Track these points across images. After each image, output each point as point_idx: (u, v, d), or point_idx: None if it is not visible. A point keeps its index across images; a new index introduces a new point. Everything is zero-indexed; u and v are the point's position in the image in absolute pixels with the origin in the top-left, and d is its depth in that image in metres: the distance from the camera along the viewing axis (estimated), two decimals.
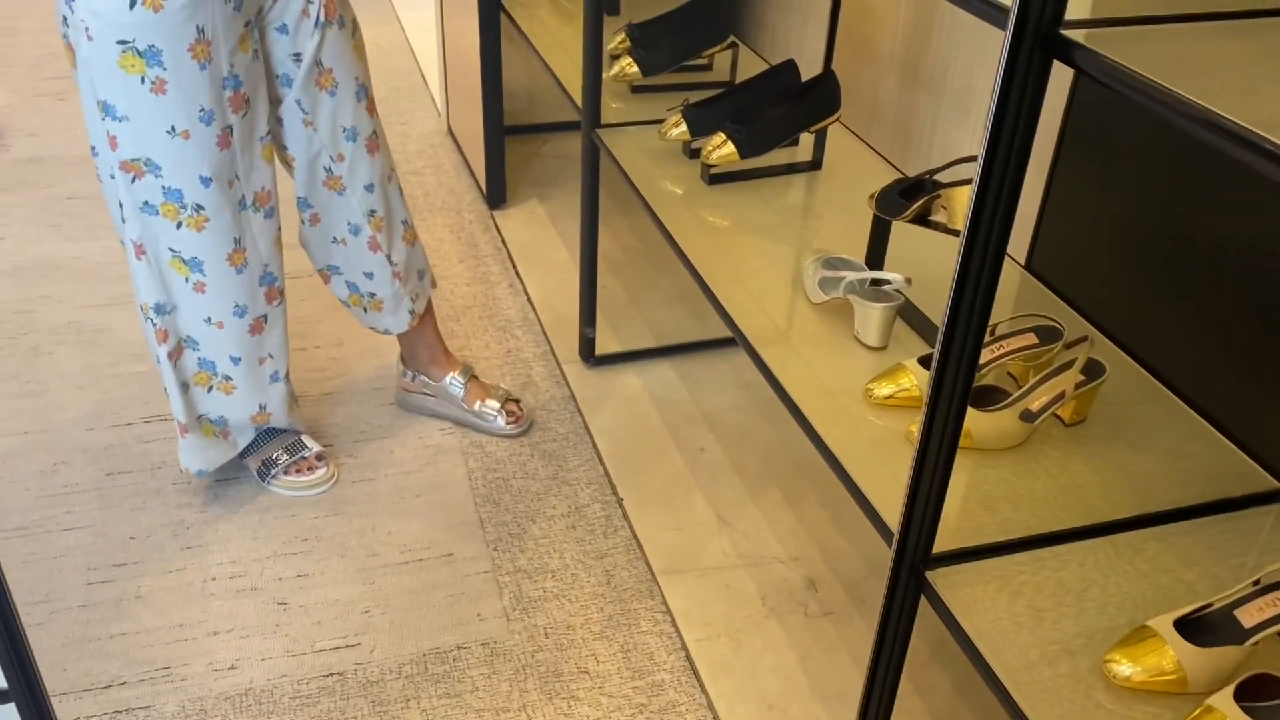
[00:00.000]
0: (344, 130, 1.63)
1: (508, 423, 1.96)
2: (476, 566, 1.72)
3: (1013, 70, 0.80)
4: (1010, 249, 1.57)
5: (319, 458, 1.84)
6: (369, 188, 1.70)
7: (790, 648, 1.59)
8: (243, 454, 1.81)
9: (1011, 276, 1.53)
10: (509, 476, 1.90)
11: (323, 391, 2.07)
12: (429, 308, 1.93)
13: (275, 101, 1.59)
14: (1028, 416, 1.20)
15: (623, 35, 2.09)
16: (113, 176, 1.50)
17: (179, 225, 1.52)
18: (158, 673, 1.52)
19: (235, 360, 1.67)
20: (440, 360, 1.97)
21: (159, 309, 1.59)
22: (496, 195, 2.70)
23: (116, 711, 1.46)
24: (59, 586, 1.64)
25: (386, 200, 1.73)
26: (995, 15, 0.83)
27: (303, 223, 1.73)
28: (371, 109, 1.67)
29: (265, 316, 1.66)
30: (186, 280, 1.57)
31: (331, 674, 1.53)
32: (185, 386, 1.68)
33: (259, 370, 1.71)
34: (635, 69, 1.99)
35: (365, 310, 1.84)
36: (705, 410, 2.06)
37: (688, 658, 1.58)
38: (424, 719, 1.47)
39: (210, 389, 1.69)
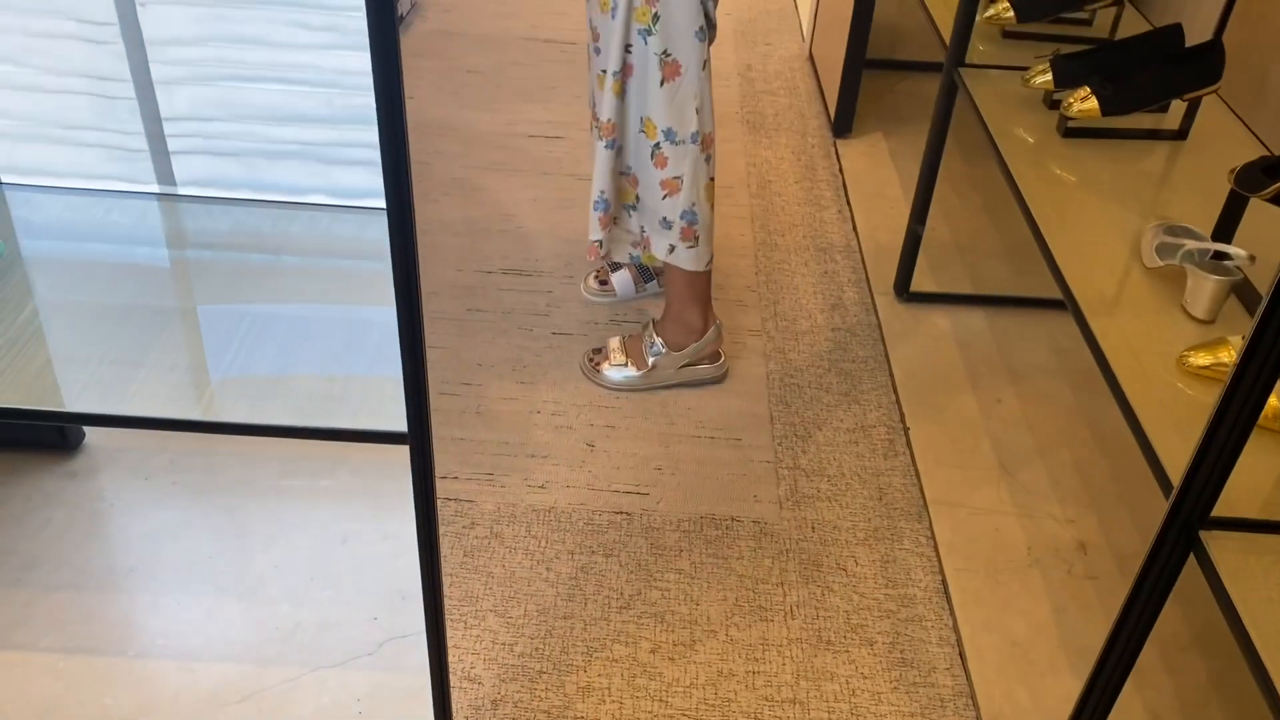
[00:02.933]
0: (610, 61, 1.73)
1: (590, 355, 2.00)
2: (760, 455, 1.86)
3: None
4: None
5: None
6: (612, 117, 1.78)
7: (1047, 598, 1.63)
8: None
9: None
10: (804, 385, 2.02)
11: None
12: (674, 273, 1.92)
13: None
14: None
15: None
16: None
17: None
18: (483, 476, 1.79)
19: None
20: (668, 319, 1.98)
21: None
22: (843, 125, 2.78)
23: (447, 499, 1.74)
24: None
25: (631, 141, 1.81)
26: None
27: None
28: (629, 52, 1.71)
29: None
30: None
31: (621, 512, 1.74)
32: None
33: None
34: (1011, 12, 1.99)
35: None
36: (1010, 364, 2.08)
37: (943, 582, 1.65)
38: (692, 568, 1.65)
39: None
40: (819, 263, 2.35)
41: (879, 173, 2.65)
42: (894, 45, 3.07)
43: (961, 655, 1.54)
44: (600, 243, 1.92)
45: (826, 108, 2.89)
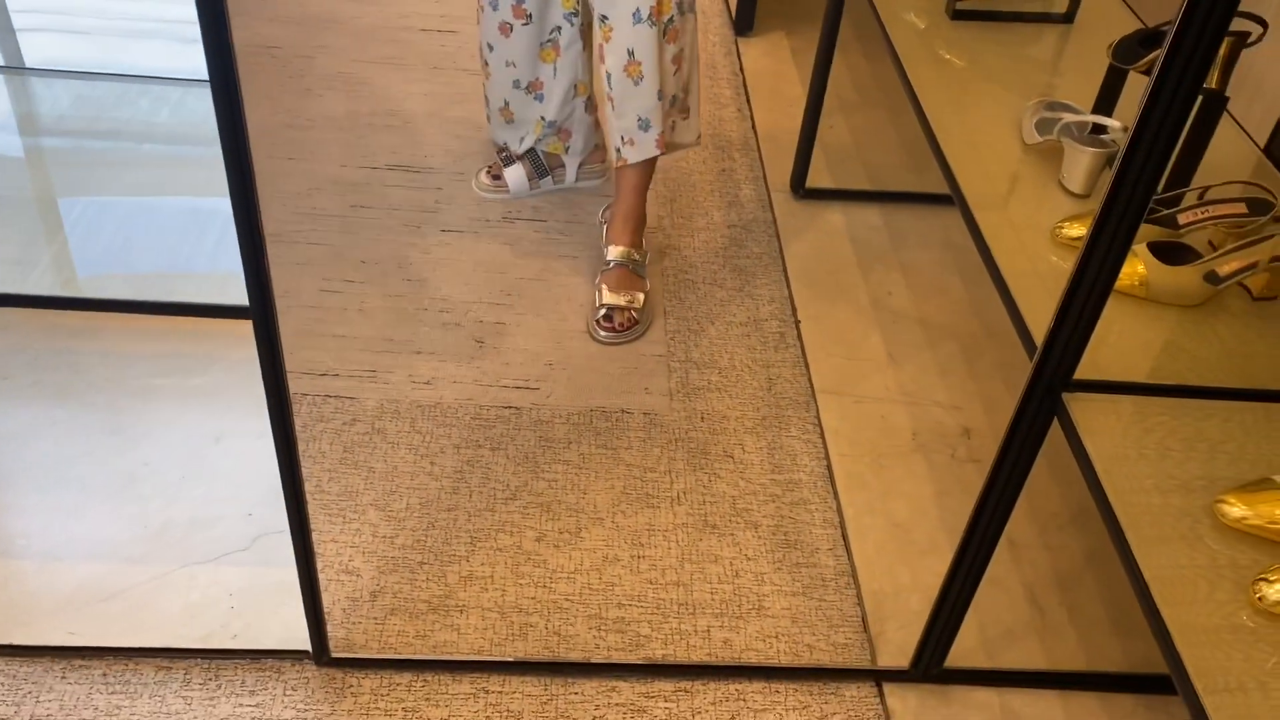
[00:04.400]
0: None
1: (601, 324, 1.83)
2: (652, 349, 1.84)
3: None
4: (1252, 129, 1.50)
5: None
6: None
7: (929, 482, 1.65)
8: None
9: (1246, 155, 1.46)
10: (698, 280, 2.00)
11: None
12: (642, 173, 1.87)
13: None
14: (1212, 279, 1.18)
15: None
16: None
17: None
18: (365, 373, 1.74)
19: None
20: (616, 225, 1.92)
21: None
22: (744, 23, 2.72)
23: (328, 396, 1.69)
24: (296, 287, 1.88)
25: (621, 16, 1.70)
26: None
27: None
28: None
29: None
30: None
31: (509, 407, 1.71)
32: None
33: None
34: None
35: None
36: (903, 259, 2.08)
37: (828, 467, 1.66)
38: (580, 460, 1.63)
39: None
40: (717, 160, 2.31)
41: (780, 70, 2.61)
42: None
43: (844, 536, 1.56)
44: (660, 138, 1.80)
45: (728, 5, 2.83)
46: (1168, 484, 1.00)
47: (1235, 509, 0.95)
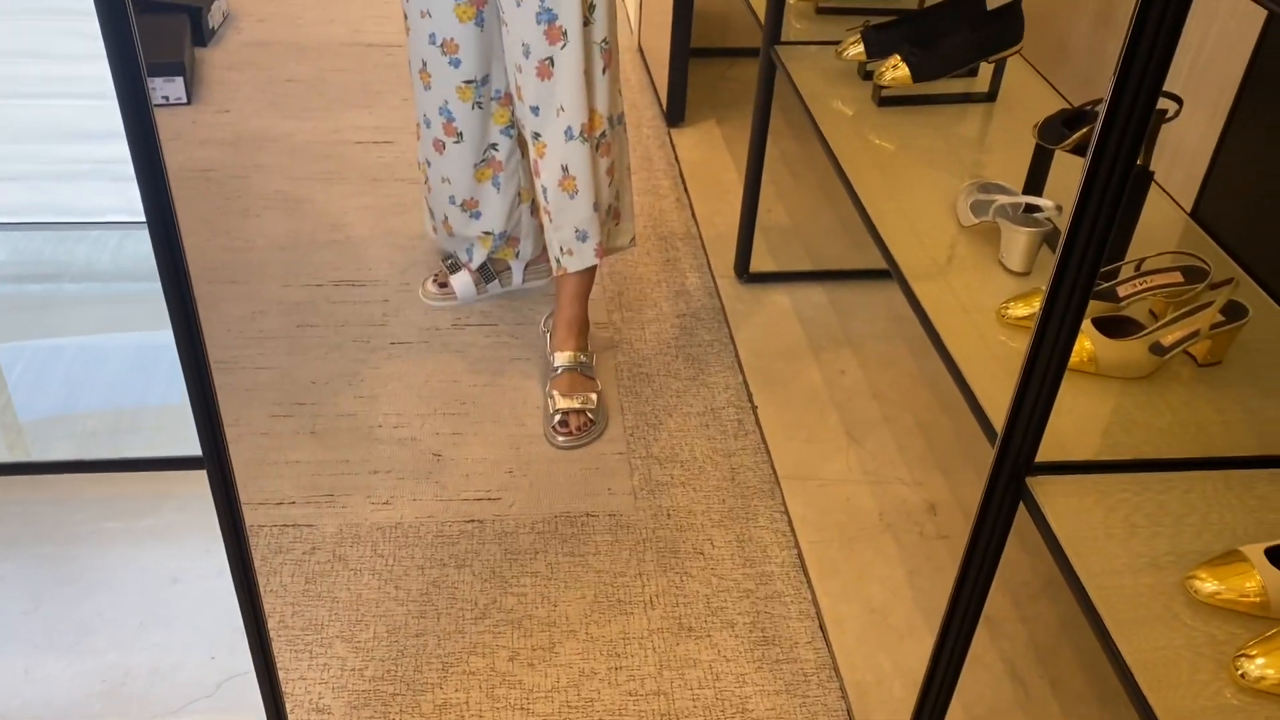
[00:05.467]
0: (521, 44, 1.65)
1: (558, 430, 1.82)
2: (613, 448, 1.83)
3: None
4: (1177, 195, 1.54)
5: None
6: (534, 109, 1.70)
7: (901, 562, 1.65)
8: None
9: (1175, 222, 1.50)
10: (653, 373, 2.00)
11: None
12: (583, 280, 1.88)
13: None
14: (1158, 349, 1.21)
15: None
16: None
17: None
18: (323, 498, 1.70)
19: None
20: (561, 331, 1.91)
21: None
22: (676, 114, 2.78)
23: (285, 525, 1.66)
24: (246, 415, 1.85)
25: (555, 134, 1.71)
26: None
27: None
28: (555, 37, 1.62)
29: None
30: None
31: (472, 520, 1.68)
32: None
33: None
34: None
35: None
36: (851, 335, 2.10)
37: (799, 556, 1.65)
38: (549, 570, 1.60)
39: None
40: (661, 251, 2.34)
41: (714, 159, 2.66)
42: (723, 33, 3.09)
43: (822, 627, 1.55)
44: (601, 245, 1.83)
45: (659, 98, 2.88)
46: (1138, 562, 1.01)
47: (1207, 584, 0.96)
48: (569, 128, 1.70)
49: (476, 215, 1.96)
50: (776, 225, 2.38)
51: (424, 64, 1.79)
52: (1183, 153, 1.53)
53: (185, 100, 2.72)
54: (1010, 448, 1.06)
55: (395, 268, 2.22)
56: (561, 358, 1.89)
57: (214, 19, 3.06)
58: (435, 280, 2.14)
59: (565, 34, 1.62)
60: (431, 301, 2.13)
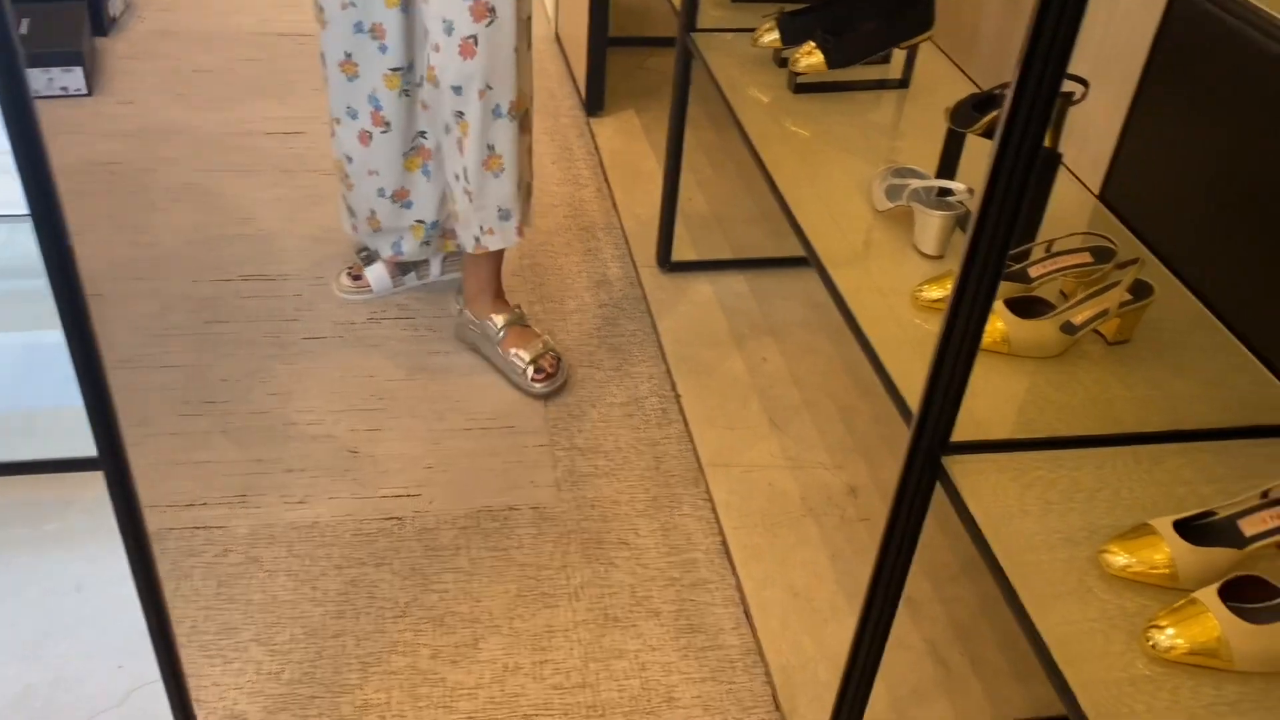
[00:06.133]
0: (443, 20, 1.62)
1: (534, 379, 1.87)
2: (535, 440, 1.81)
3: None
4: (1085, 178, 1.57)
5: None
6: (456, 89, 1.67)
7: (823, 545, 1.65)
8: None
9: (1083, 204, 1.53)
10: (576, 364, 1.98)
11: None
12: (498, 253, 1.89)
13: None
14: (1068, 329, 1.22)
15: None
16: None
17: None
18: (235, 498, 1.65)
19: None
20: (487, 299, 1.92)
21: None
22: (595, 103, 2.76)
23: (196, 528, 1.60)
24: (155, 414, 1.79)
25: (480, 113, 1.68)
26: None
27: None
28: (481, 14, 1.60)
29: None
30: None
31: (391, 518, 1.65)
32: None
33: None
34: None
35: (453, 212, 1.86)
36: (772, 323, 2.11)
37: (723, 542, 1.65)
38: (471, 566, 1.58)
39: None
40: (582, 241, 2.32)
41: (634, 148, 2.65)
42: (641, 23, 3.08)
43: (746, 613, 1.55)
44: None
45: (577, 87, 2.86)
46: (1053, 538, 1.02)
47: (1119, 558, 0.98)
48: (498, 105, 1.68)
49: (408, 205, 1.92)
50: (697, 214, 2.37)
51: (347, 55, 1.74)
52: (1091, 135, 1.55)
53: (85, 91, 2.62)
54: (926, 428, 1.07)
55: (308, 261, 2.16)
56: (500, 319, 1.91)
57: (115, 7, 2.96)
58: (350, 273, 2.10)
59: (493, 10, 1.60)
60: (346, 295, 2.08)
